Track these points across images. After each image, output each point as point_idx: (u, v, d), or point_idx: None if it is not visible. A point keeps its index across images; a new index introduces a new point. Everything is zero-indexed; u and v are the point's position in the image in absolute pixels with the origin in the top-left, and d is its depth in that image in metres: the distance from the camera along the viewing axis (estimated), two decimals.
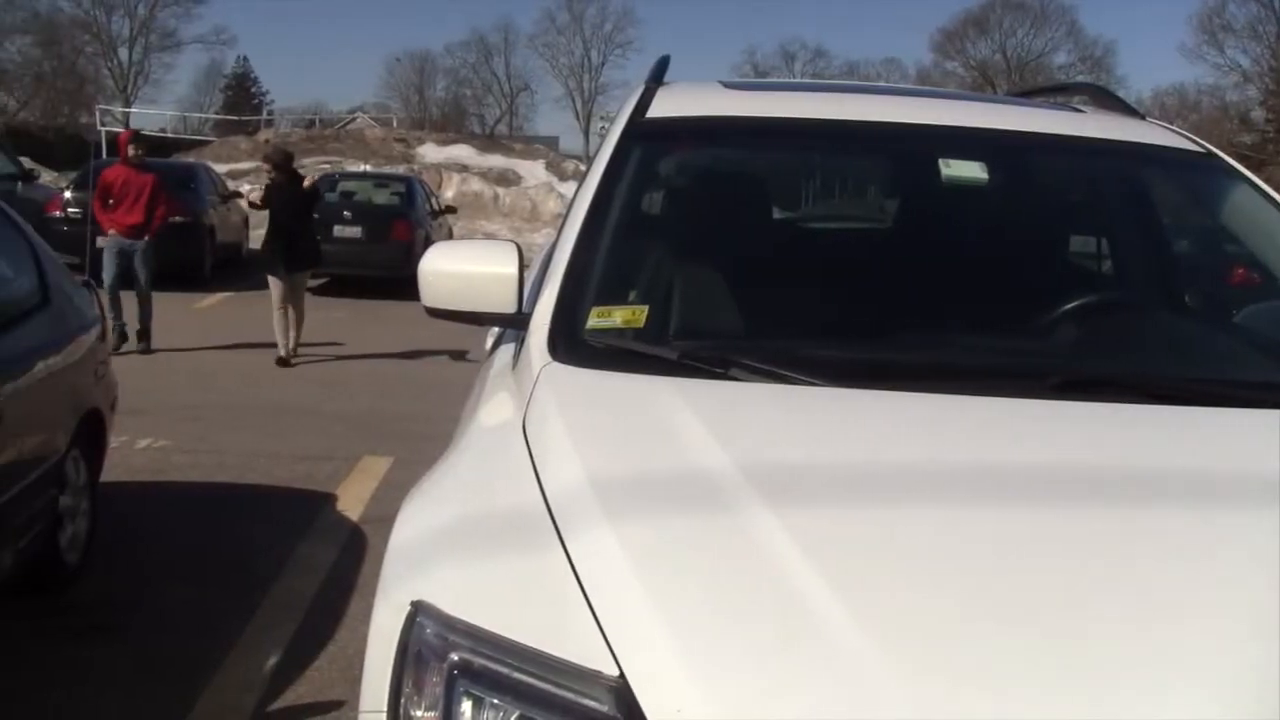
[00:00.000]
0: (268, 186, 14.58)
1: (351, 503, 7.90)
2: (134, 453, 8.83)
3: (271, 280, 13.72)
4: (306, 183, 14.73)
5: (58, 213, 19.40)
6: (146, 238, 13.90)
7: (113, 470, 7.22)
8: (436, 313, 3.47)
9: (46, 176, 30.92)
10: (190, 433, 9.68)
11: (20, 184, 21.43)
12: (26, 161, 26.38)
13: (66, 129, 64.32)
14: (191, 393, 11.44)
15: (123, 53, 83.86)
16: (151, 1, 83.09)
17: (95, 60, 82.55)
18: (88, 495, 6.40)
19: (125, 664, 5.30)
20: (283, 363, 13.45)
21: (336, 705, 5.00)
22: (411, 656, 2.18)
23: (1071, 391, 2.96)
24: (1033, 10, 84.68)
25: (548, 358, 3.07)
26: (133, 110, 72.07)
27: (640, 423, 2.79)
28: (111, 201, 13.87)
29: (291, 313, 13.64)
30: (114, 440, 7.22)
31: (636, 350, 3.15)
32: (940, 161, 3.96)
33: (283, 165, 14.34)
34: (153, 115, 72.64)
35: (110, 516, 6.83)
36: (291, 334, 13.68)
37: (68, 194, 20.53)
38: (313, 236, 14.60)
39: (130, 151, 14.32)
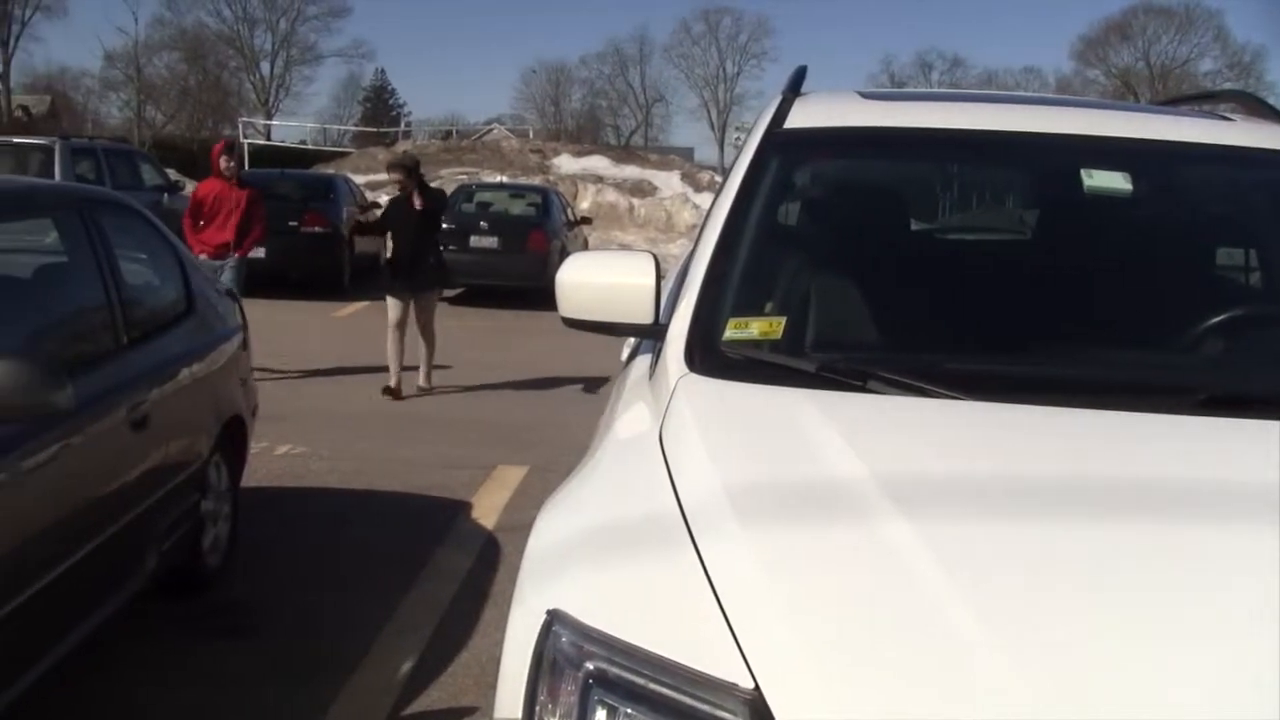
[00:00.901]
0: (391, 200, 13.25)
1: (486, 511, 7.96)
2: (274, 458, 8.97)
3: (390, 300, 12.43)
4: (418, 202, 12.40)
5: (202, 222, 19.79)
6: (235, 254, 12.58)
7: (253, 475, 7.34)
8: (573, 323, 3.48)
9: (191, 187, 31.57)
10: (328, 439, 9.81)
11: (167, 195, 21.95)
12: (172, 173, 27.00)
13: (210, 141, 65.66)
14: (330, 400, 11.60)
15: (265, 67, 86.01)
16: (293, 16, 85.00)
17: (238, 74, 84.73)
18: (229, 500, 6.52)
19: (263, 665, 5.39)
20: (391, 393, 12.08)
21: (470, 711, 5.03)
22: (547, 665, 2.19)
23: (1218, 408, 2.88)
24: (1177, 16, 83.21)
25: (684, 369, 3.06)
26: (274, 123, 73.52)
27: (777, 434, 2.77)
28: (203, 220, 12.68)
29: (421, 340, 12.43)
30: (254, 446, 7.33)
31: (774, 362, 3.13)
32: (1082, 172, 3.89)
33: (412, 173, 12.58)
34: (293, 128, 73.93)
35: (250, 521, 6.95)
36: (422, 366, 12.47)
37: None
38: (439, 254, 13.10)
39: (223, 164, 12.76)
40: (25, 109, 77.24)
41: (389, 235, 12.78)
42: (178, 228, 10.21)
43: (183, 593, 6.02)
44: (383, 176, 35.47)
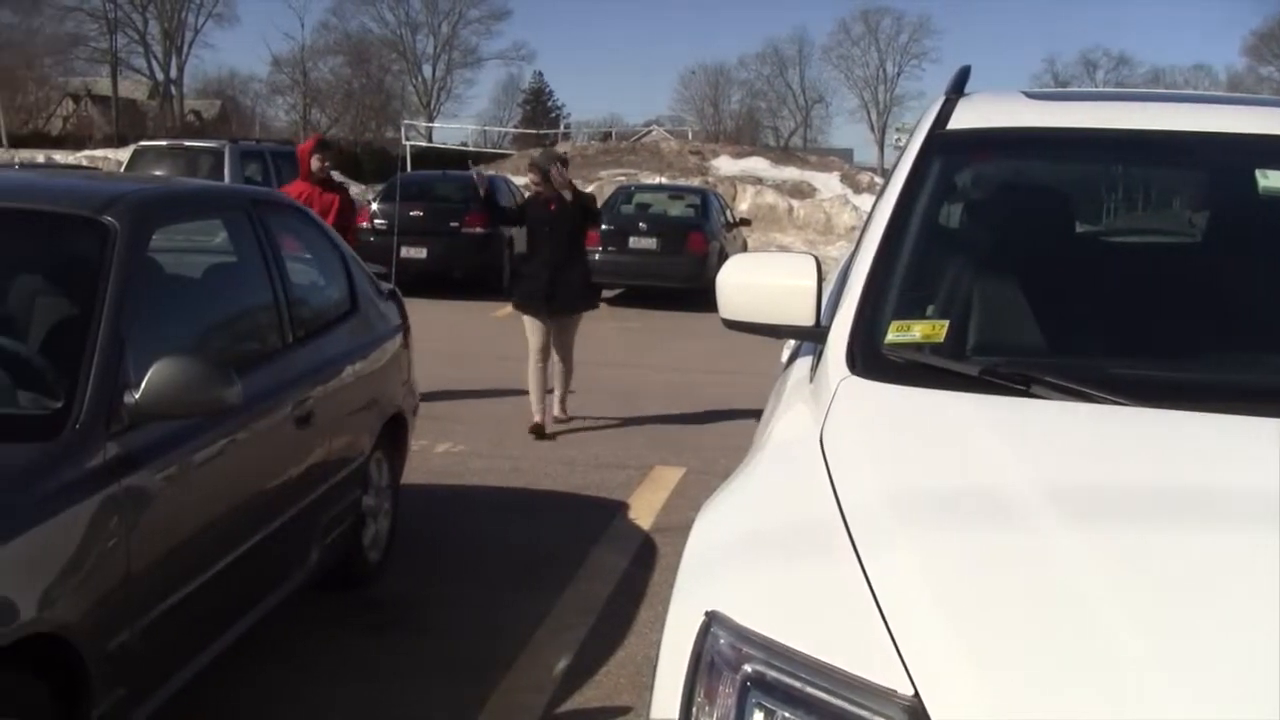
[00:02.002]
0: (529, 199, 11.34)
1: (643, 511, 7.98)
2: (433, 456, 9.08)
3: (527, 322, 10.66)
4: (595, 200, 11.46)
5: (365, 224, 20.17)
6: None
7: (412, 473, 7.42)
8: (734, 325, 3.48)
9: (354, 189, 32.14)
10: (487, 438, 9.90)
11: None
12: (336, 175, 27.47)
13: (373, 144, 67.37)
14: (489, 399, 11.69)
15: (426, 70, 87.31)
16: (454, 20, 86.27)
17: (401, 77, 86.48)
18: (389, 496, 6.61)
19: (421, 660, 5.46)
20: (538, 431, 10.26)
21: (624, 711, 5.04)
22: (704, 666, 2.19)
23: None
24: None
25: (846, 371, 3.04)
26: (435, 125, 74.70)
27: (939, 439, 2.75)
28: None
29: (557, 364, 10.67)
30: (415, 444, 7.41)
31: (936, 365, 3.10)
32: (1257, 173, 3.79)
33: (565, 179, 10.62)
34: (454, 130, 75.01)
35: (409, 517, 7.05)
36: (556, 390, 10.74)
37: (374, 206, 21.38)
38: (588, 270, 11.24)
39: (315, 164, 10.90)
40: (197, 113, 79.85)
41: (528, 242, 10.94)
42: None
43: (343, 587, 6.12)
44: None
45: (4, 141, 51.48)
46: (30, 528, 3.45)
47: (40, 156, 42.51)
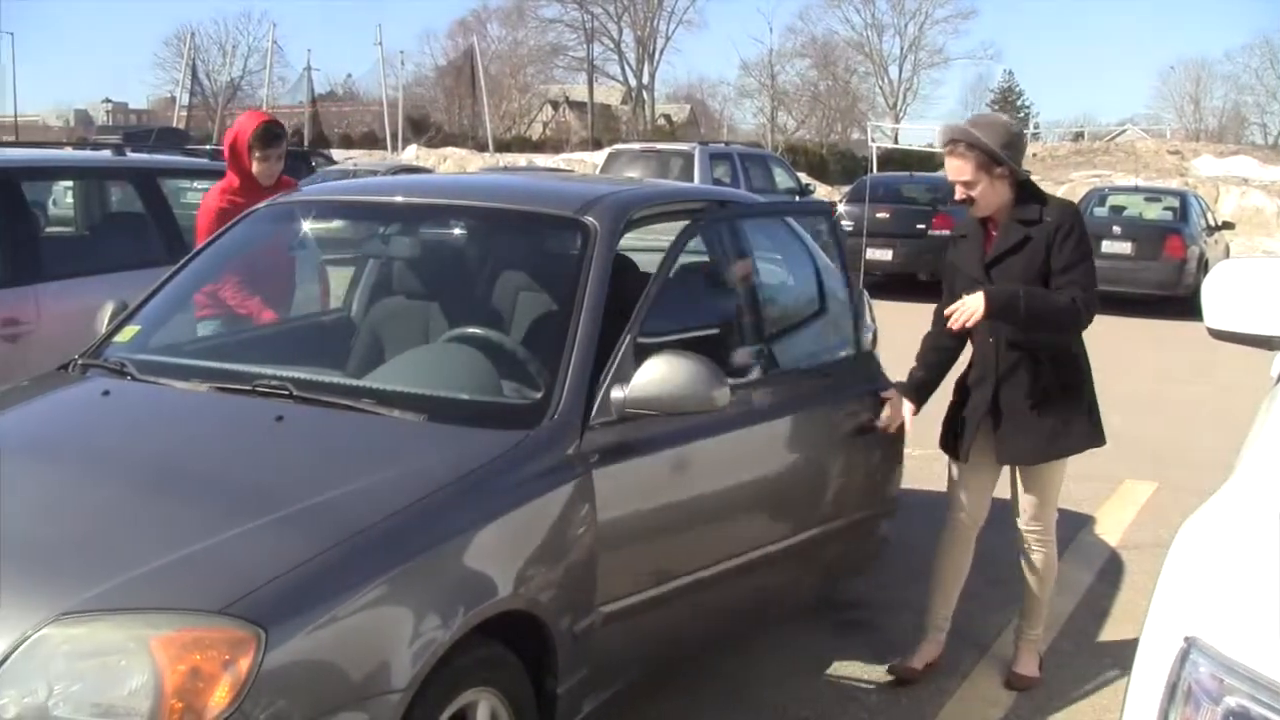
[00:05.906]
0: (957, 235, 5.53)
1: (1110, 526, 7.73)
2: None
3: (952, 470, 5.72)
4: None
5: None
6: None
7: None
8: (1221, 335, 3.33)
9: (821, 191, 32.58)
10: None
11: (798, 198, 22.70)
12: (804, 177, 27.89)
13: (838, 145, 67.85)
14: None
15: (893, 70, 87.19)
16: (921, 20, 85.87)
17: (867, 79, 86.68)
18: None
19: (877, 663, 5.49)
20: (906, 674, 5.30)
21: None
22: (1180, 695, 2.09)
23: None
24: None
25: None
26: (901, 126, 74.52)
27: None
28: None
29: (1028, 553, 5.48)
30: None
31: None
32: None
33: (1011, 150, 4.97)
34: (920, 130, 74.55)
35: None
36: (1022, 628, 5.44)
37: (841, 207, 21.49)
38: (1076, 369, 5.57)
39: (256, 167, 6.48)
40: (667, 117, 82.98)
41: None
42: None
43: None
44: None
45: (490, 146, 54.52)
46: (508, 511, 3.64)
47: (522, 160, 45.07)
